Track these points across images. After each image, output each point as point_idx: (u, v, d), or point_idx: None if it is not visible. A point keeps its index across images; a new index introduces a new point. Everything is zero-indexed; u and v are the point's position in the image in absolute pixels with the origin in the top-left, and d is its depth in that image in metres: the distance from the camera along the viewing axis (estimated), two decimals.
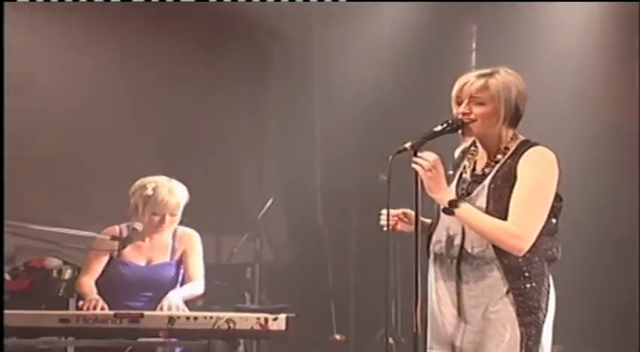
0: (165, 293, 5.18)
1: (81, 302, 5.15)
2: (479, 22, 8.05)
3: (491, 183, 3.67)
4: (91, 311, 4.93)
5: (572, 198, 3.74)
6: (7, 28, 7.03)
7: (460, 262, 3.68)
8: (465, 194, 3.72)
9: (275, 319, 4.62)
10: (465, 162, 3.80)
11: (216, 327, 4.60)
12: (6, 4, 6.04)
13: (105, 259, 5.31)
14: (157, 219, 5.23)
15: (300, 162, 8.37)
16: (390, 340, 7.06)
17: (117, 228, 5.27)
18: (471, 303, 3.67)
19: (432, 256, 3.79)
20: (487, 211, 3.64)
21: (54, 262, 6.65)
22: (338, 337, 7.81)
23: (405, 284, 5.08)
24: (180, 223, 5.41)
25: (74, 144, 7.40)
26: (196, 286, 5.30)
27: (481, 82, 3.67)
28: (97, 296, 5.13)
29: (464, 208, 3.64)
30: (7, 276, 6.55)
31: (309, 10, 8.24)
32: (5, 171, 6.80)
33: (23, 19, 7.33)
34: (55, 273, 6.60)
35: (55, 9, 7.26)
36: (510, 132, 3.74)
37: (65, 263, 6.61)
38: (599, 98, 7.27)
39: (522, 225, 3.59)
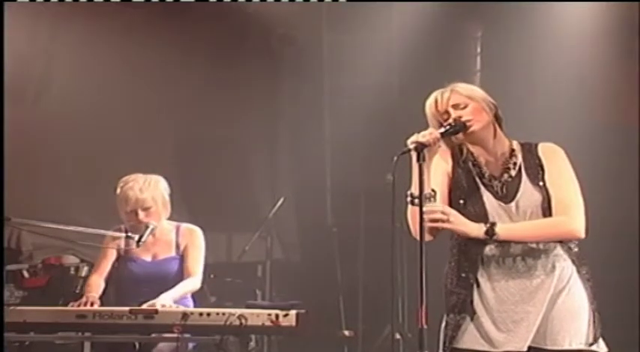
0: (171, 287, 5.19)
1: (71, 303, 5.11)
2: (483, 27, 8.12)
3: (527, 180, 3.71)
4: (105, 308, 4.94)
5: None
6: (22, 34, 7.15)
7: (525, 258, 3.70)
8: (507, 200, 3.72)
9: (285, 315, 4.69)
10: (472, 169, 3.78)
11: (228, 323, 4.65)
12: (8, 5, 6.13)
13: (112, 257, 5.35)
14: (131, 215, 5.26)
15: (311, 162, 8.44)
16: (397, 335, 7.14)
17: (122, 226, 5.32)
18: (540, 297, 3.66)
19: (484, 259, 3.73)
20: (545, 205, 3.69)
21: (71, 260, 6.78)
22: (347, 332, 7.81)
23: (412, 281, 5.12)
24: (190, 221, 5.50)
25: (93, 145, 7.48)
26: (193, 282, 5.29)
27: (448, 92, 3.73)
28: (94, 295, 5.15)
29: (501, 229, 3.67)
30: (25, 273, 6.67)
31: (320, 16, 8.34)
32: (25, 171, 6.94)
33: (44, 22, 7.43)
34: (72, 271, 6.73)
35: (69, 10, 7.33)
36: (506, 138, 3.78)
37: (82, 261, 6.74)
38: (600, 98, 7.27)
39: (569, 208, 3.70)
